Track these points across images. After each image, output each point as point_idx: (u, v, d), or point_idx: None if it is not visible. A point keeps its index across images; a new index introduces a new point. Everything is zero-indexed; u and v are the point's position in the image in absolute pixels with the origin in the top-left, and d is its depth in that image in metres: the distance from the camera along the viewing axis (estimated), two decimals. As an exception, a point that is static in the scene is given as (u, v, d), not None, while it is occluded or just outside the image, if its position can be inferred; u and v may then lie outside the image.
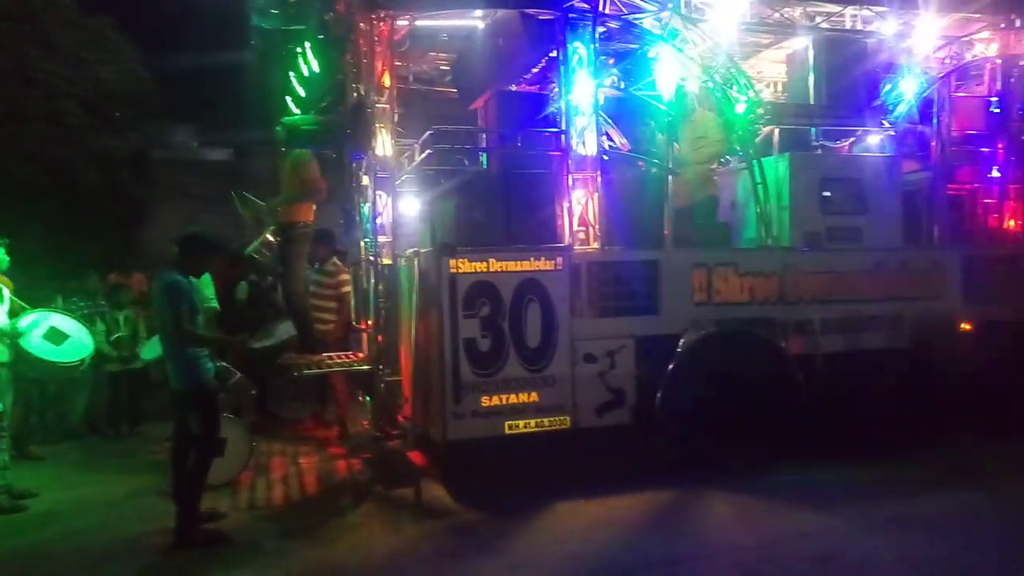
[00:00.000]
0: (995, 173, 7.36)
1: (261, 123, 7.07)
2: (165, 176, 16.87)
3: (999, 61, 7.32)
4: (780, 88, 8.07)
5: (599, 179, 5.94)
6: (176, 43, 16.19)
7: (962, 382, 6.61)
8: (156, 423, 7.55)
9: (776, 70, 7.98)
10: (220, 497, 5.71)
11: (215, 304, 6.98)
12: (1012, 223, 7.31)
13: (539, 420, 5.63)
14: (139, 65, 15.04)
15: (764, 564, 4.42)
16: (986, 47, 7.37)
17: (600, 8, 6.01)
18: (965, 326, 6.75)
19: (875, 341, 6.49)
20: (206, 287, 6.56)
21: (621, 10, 6.15)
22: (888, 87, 6.83)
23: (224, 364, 5.78)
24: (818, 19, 6.85)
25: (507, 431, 5.54)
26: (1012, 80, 7.33)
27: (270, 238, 7.00)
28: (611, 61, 6.50)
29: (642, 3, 6.18)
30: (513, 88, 6.70)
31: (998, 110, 7.35)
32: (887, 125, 6.94)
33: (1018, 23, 7.33)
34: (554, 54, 6.03)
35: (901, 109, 6.85)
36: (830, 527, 4.94)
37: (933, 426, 6.77)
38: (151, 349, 6.93)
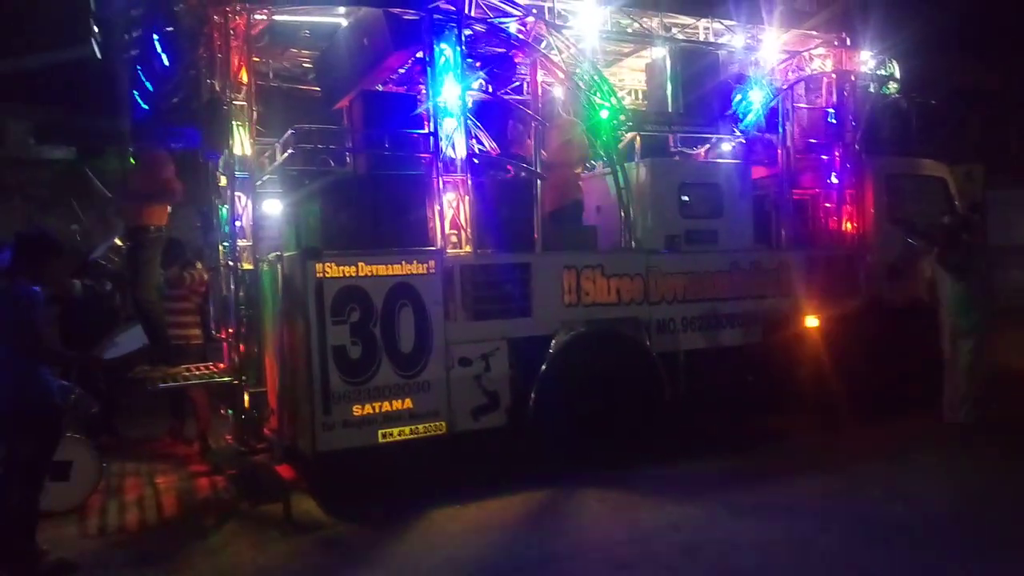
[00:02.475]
0: (833, 179, 7.97)
1: (107, 118, 6.55)
2: (-1, 175, 15.40)
3: (834, 75, 7.93)
4: (640, 96, 8.37)
5: (469, 182, 5.93)
6: (11, 29, 14.79)
7: (810, 373, 7.12)
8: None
9: (636, 78, 8.26)
10: (66, 524, 5.28)
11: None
12: (849, 225, 7.94)
13: (414, 426, 5.53)
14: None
15: (636, 557, 4.56)
16: (823, 62, 7.96)
17: (466, 10, 6.00)
18: (811, 321, 7.27)
19: (732, 338, 6.87)
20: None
21: (487, 14, 6.16)
22: (739, 97, 7.22)
23: (63, 382, 5.31)
24: (674, 30, 7.15)
25: (381, 440, 5.41)
26: (845, 93, 7.95)
27: (118, 243, 6.53)
28: (478, 64, 6.50)
29: (507, 7, 6.21)
30: (380, 88, 6.57)
31: (834, 121, 7.96)
32: (738, 133, 7.35)
33: (848, 41, 7.98)
34: (420, 55, 5.96)
35: (750, 118, 7.26)
36: (698, 517, 5.16)
37: (789, 417, 7.26)
38: None
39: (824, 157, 7.99)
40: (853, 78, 7.99)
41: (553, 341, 6.04)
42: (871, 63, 8.27)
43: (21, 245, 4.58)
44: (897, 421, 7.22)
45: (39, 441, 4.53)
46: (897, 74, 8.48)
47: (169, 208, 6.46)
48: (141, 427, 7.96)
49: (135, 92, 6.59)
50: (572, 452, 5.99)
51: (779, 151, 7.53)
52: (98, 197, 6.30)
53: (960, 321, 6.82)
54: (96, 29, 6.57)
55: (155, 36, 6.05)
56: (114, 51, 6.83)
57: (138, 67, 6.40)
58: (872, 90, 8.27)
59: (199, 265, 7.15)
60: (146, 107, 6.48)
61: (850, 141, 7.96)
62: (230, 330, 6.16)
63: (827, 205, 8.01)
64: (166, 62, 6.08)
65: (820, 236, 7.99)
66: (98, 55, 6.62)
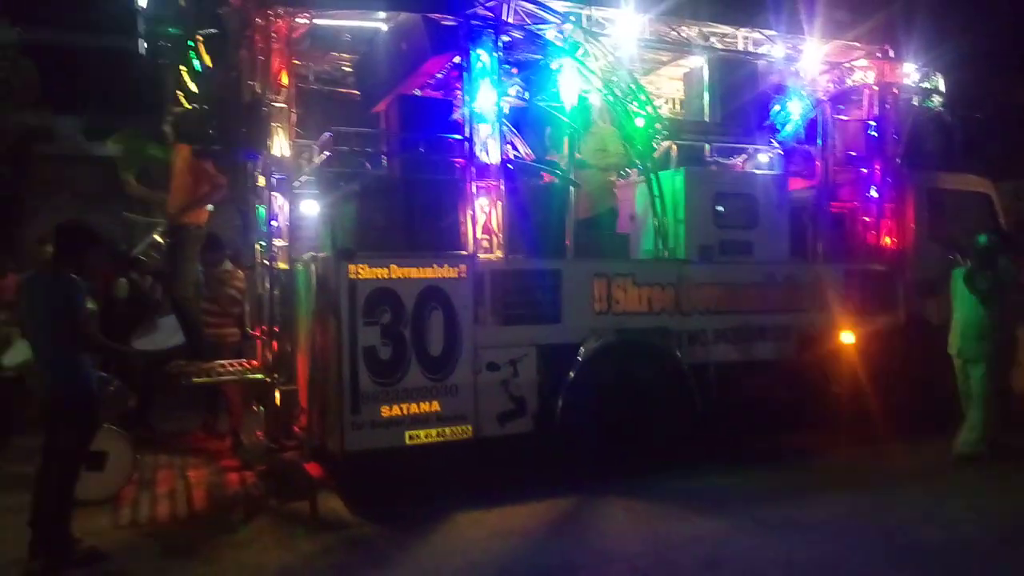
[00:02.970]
0: (873, 193, 7.83)
1: (153, 117, 6.72)
2: (48, 171, 15.81)
3: (876, 88, 7.80)
4: (677, 105, 8.33)
5: (503, 188, 5.95)
6: (61, 29, 15.21)
7: (844, 390, 7.00)
8: (32, 435, 7.02)
9: (674, 87, 8.23)
10: (99, 515, 5.38)
11: (91, 304, 6.57)
12: (888, 240, 7.79)
13: (440, 429, 5.56)
14: (19, 52, 14.04)
15: (658, 568, 4.53)
16: (865, 74, 7.84)
17: (503, 17, 6.03)
18: (847, 337, 7.15)
19: (764, 351, 6.78)
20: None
21: (524, 20, 6.19)
22: (777, 108, 7.15)
23: (101, 373, 5.44)
24: (712, 39, 7.10)
25: (408, 441, 5.45)
26: (887, 106, 7.82)
27: (158, 239, 6.67)
28: (515, 70, 6.54)
29: (545, 14, 6.24)
30: (417, 92, 6.64)
31: (876, 134, 7.82)
32: (776, 144, 7.27)
33: (891, 53, 7.84)
34: (458, 60, 6.01)
35: (789, 129, 7.18)
36: (722, 531, 5.09)
37: (820, 433, 7.14)
38: (16, 354, 6.39)
39: (864, 170, 7.85)
40: (895, 90, 7.85)
41: (582, 349, 6.03)
42: (915, 76, 8.12)
43: (61, 237, 4.70)
44: (933, 441, 7.04)
45: (77, 430, 4.64)
46: (942, 87, 8.31)
47: (210, 207, 6.58)
48: (176, 421, 8.11)
49: (179, 92, 6.73)
50: (598, 461, 5.97)
51: (817, 163, 7.43)
52: (136, 196, 6.44)
53: (970, 345, 6.54)
54: (143, 29, 6.74)
55: (199, 37, 6.18)
56: (160, 51, 7.00)
57: (182, 67, 6.54)
58: (915, 103, 8.12)
59: (229, 266, 7.26)
60: (189, 107, 6.62)
61: (891, 154, 7.81)
62: (264, 328, 6.25)
63: (866, 219, 7.85)
64: (209, 63, 6.21)
65: (858, 250, 7.84)
66: (144, 54, 6.78)
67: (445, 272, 5.60)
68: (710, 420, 6.41)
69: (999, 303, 6.46)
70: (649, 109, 6.63)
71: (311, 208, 7.17)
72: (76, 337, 4.51)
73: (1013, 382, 7.65)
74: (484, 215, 5.92)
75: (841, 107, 7.93)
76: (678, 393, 6.33)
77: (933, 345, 7.21)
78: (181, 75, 6.67)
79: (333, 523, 5.29)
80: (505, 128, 6.12)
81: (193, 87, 6.55)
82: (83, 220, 5.12)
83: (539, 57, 6.49)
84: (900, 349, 7.23)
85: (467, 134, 5.90)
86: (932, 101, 8.27)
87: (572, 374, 5.94)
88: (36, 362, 4.77)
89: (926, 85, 8.21)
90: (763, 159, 7.74)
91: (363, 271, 5.33)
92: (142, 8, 6.44)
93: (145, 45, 6.61)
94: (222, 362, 6.44)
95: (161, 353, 6.63)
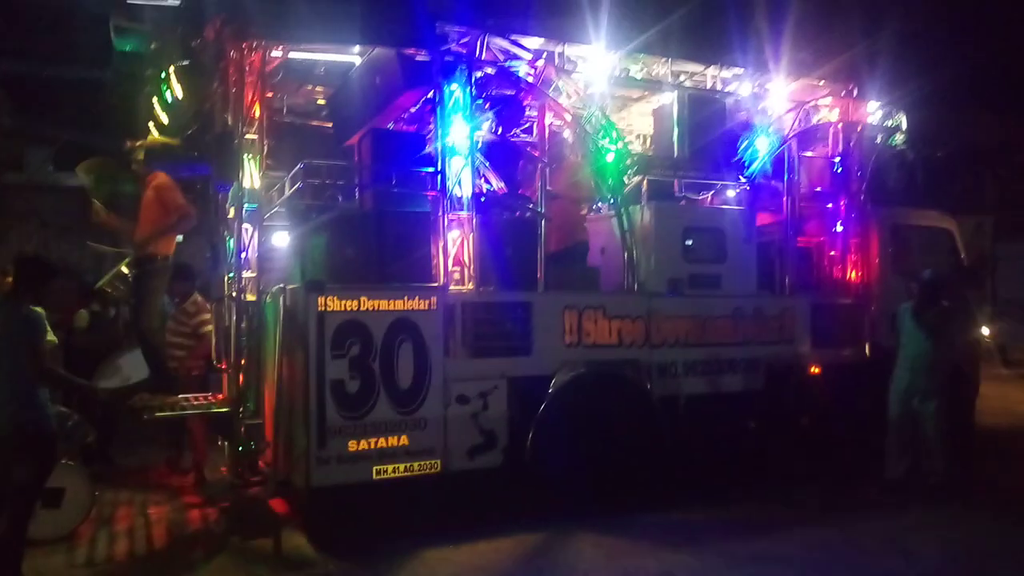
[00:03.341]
0: (838, 228, 7.98)
1: (123, 147, 6.66)
2: (17, 201, 15.61)
3: (841, 125, 7.99)
4: (647, 140, 8.44)
5: (475, 220, 5.97)
6: (30, 58, 15.12)
7: (812, 422, 7.06)
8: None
9: (644, 123, 8.34)
10: (55, 553, 5.23)
11: (51, 337, 6.44)
12: (853, 274, 7.92)
13: (408, 464, 5.50)
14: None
15: (628, 605, 4.48)
16: (830, 112, 8.04)
17: (476, 53, 6.11)
18: (814, 369, 7.22)
19: (733, 383, 6.82)
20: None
21: (497, 57, 6.27)
22: (745, 144, 7.28)
23: (60, 407, 5.32)
24: (682, 77, 7.25)
25: (375, 476, 5.38)
26: (852, 143, 8.00)
27: (124, 271, 6.58)
28: (487, 105, 6.59)
29: (517, 51, 6.32)
30: (390, 126, 6.67)
31: (840, 170, 7.99)
32: (744, 180, 7.39)
33: (856, 92, 8.05)
34: (431, 95, 6.06)
35: (756, 165, 7.30)
36: (693, 565, 5.08)
37: (788, 465, 7.16)
38: None
39: (829, 205, 8.02)
40: (860, 128, 8.05)
41: (553, 381, 6.02)
42: (878, 114, 8.34)
43: (19, 268, 4.63)
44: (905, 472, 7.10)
45: (33, 466, 4.50)
46: (904, 126, 8.53)
47: (179, 238, 6.52)
48: (139, 456, 7.94)
49: (150, 123, 6.69)
50: (569, 495, 5.93)
51: (784, 199, 7.56)
52: (104, 224, 6.36)
53: (919, 380, 6.57)
54: (115, 61, 6.72)
55: (172, 69, 6.17)
56: (132, 83, 6.97)
57: (153, 99, 6.52)
58: (879, 141, 8.32)
59: (198, 298, 7.18)
60: (160, 138, 6.58)
61: (855, 190, 7.99)
62: (230, 361, 6.15)
63: (832, 253, 8.01)
64: (181, 95, 6.19)
65: (824, 284, 7.96)
66: (116, 86, 6.75)
67: (415, 304, 5.59)
68: (680, 452, 6.41)
69: (946, 337, 6.58)
70: (620, 144, 6.72)
71: (281, 240, 7.13)
72: (34, 370, 4.41)
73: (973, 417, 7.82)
74: (455, 247, 5.93)
75: (807, 144, 8.09)
76: (648, 425, 6.33)
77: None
78: (153, 106, 6.65)
79: (297, 561, 5.18)
80: (477, 162, 6.16)
81: (164, 118, 6.52)
82: (42, 252, 5.04)
83: (511, 93, 6.56)
84: (866, 381, 7.31)
85: (439, 167, 5.94)
86: (895, 139, 8.49)
87: (543, 407, 5.93)
88: None
89: (889, 123, 8.44)
90: (731, 194, 7.85)
91: (332, 303, 5.30)
92: (112, 42, 6.40)
93: (114, 79, 6.56)
94: (187, 395, 6.32)
95: (125, 390, 6.51)
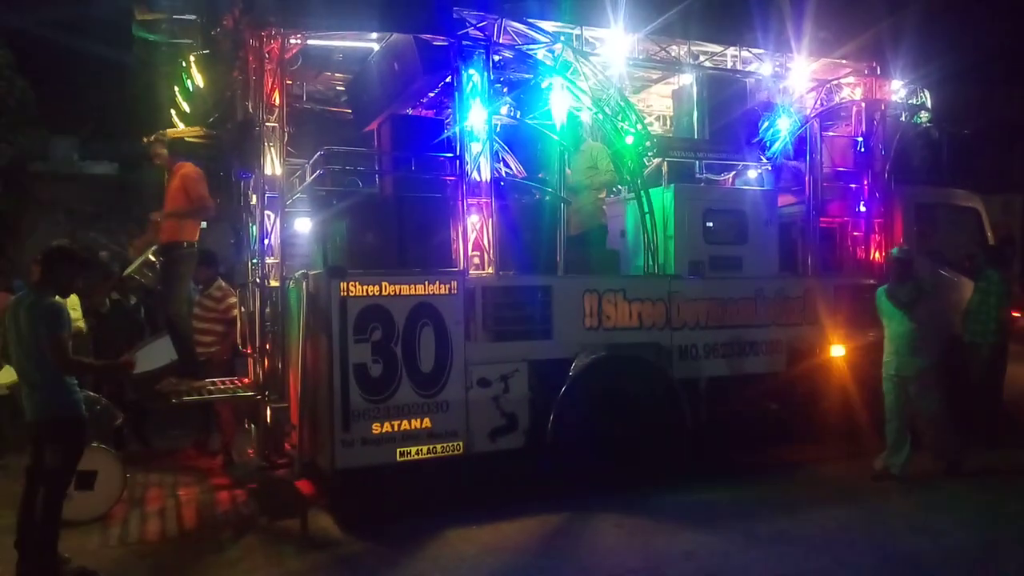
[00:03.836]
0: (862, 208, 7.89)
1: (147, 136, 6.77)
2: (43, 190, 15.87)
3: (864, 104, 7.88)
4: (667, 122, 8.40)
5: (494, 205, 6.00)
6: (56, 50, 15.32)
7: (834, 403, 7.02)
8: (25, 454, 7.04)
9: (664, 104, 8.30)
10: (89, 533, 5.37)
11: (81, 324, 6.60)
12: (876, 254, 7.84)
13: (431, 446, 5.57)
14: (14, 72, 14.14)
15: (649, 584, 4.52)
16: (852, 91, 7.93)
17: (494, 37, 6.10)
18: (837, 350, 7.18)
19: (755, 365, 6.80)
20: (72, 307, 6.19)
21: (515, 40, 6.26)
22: (766, 125, 7.20)
23: (90, 392, 5.44)
24: (701, 58, 7.19)
25: (399, 458, 5.46)
26: (875, 122, 7.90)
27: (151, 258, 6.70)
28: (506, 89, 6.60)
29: (535, 34, 6.31)
30: (409, 112, 6.70)
31: (864, 149, 7.90)
32: (765, 160, 7.33)
33: (879, 70, 7.94)
34: (449, 80, 6.07)
35: (777, 146, 7.23)
36: (715, 545, 5.10)
37: (810, 446, 7.15)
38: (8, 372, 6.40)
39: (852, 186, 7.93)
40: (883, 107, 7.93)
41: (573, 364, 6.05)
42: (902, 92, 8.21)
43: (46, 261, 4.71)
44: (923, 453, 7.06)
45: (64, 451, 4.64)
46: (929, 103, 8.40)
47: (203, 224, 6.62)
48: (168, 439, 8.11)
49: (172, 112, 6.78)
50: (590, 476, 5.97)
51: (806, 179, 7.49)
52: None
53: (905, 362, 6.37)
54: (137, 51, 6.80)
55: (193, 58, 6.24)
56: (154, 72, 7.06)
57: (175, 88, 6.60)
58: (903, 119, 8.20)
59: (222, 283, 7.28)
60: (182, 126, 6.66)
61: (879, 170, 7.89)
62: (255, 346, 6.25)
63: (855, 234, 7.92)
64: (201, 84, 6.26)
65: (847, 265, 7.89)
66: (138, 75, 6.84)
67: (436, 289, 5.63)
68: (701, 434, 6.42)
69: (924, 314, 6.38)
70: (639, 127, 6.69)
71: (303, 226, 7.21)
72: (57, 360, 4.50)
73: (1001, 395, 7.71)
74: (475, 232, 5.96)
75: (829, 123, 8.00)
76: (669, 407, 6.34)
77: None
78: (174, 95, 6.73)
79: (323, 541, 5.28)
80: (496, 146, 6.17)
81: (186, 107, 6.60)
82: (71, 243, 5.11)
83: (530, 76, 6.55)
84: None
85: (458, 152, 5.96)
86: (920, 117, 8.36)
87: (563, 389, 5.96)
88: (22, 383, 4.77)
89: (913, 101, 8.30)
90: (752, 175, 7.80)
91: (354, 288, 5.36)
92: (134, 32, 6.47)
93: (137, 67, 6.65)
94: (213, 380, 6.44)
95: (153, 374, 6.64)
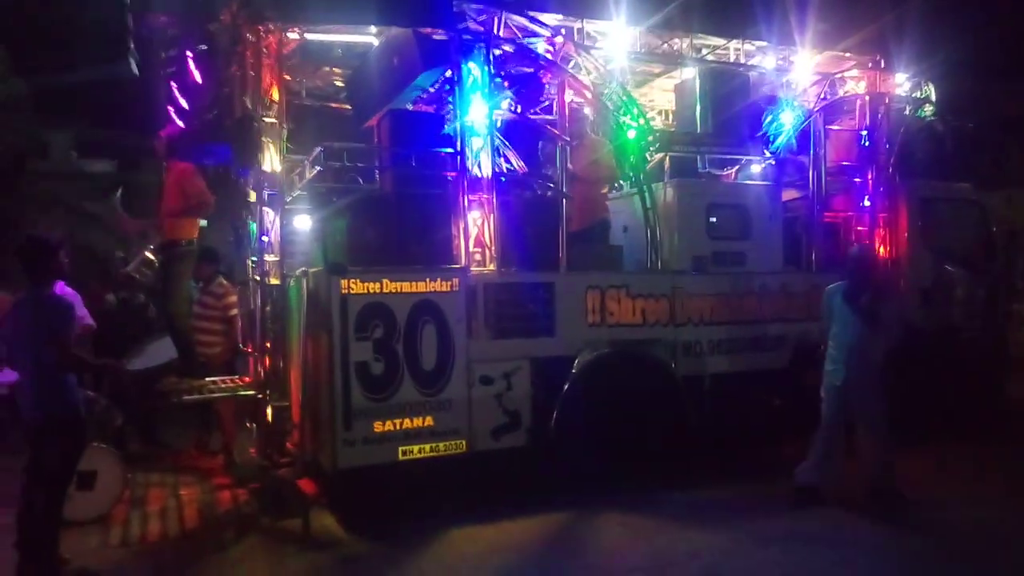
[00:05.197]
0: (866, 202, 7.83)
1: (145, 133, 6.71)
2: (42, 188, 15.79)
3: (868, 98, 7.82)
4: (669, 116, 8.34)
5: (495, 201, 5.94)
6: (52, 47, 15.24)
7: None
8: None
9: (666, 99, 8.24)
10: (89, 534, 5.32)
11: (90, 321, 6.55)
12: (881, 249, 7.78)
13: (434, 444, 5.53)
14: (9, 69, 14.06)
15: (654, 584, 4.48)
16: (856, 84, 7.86)
17: (494, 31, 6.04)
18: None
19: (759, 362, 6.76)
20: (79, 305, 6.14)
21: (516, 34, 6.20)
22: (769, 119, 7.15)
23: (89, 392, 5.40)
24: (704, 51, 7.13)
25: (401, 457, 5.42)
26: (879, 116, 7.83)
27: (150, 256, 6.65)
28: (506, 84, 6.53)
29: (536, 28, 6.25)
30: (409, 107, 6.63)
31: (868, 143, 7.83)
32: (768, 155, 7.27)
33: (883, 63, 7.87)
34: (449, 75, 6.01)
35: (781, 140, 7.17)
36: (719, 544, 5.06)
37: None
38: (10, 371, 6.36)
39: (857, 180, 7.87)
40: (887, 100, 7.87)
41: (576, 361, 6.00)
42: (906, 85, 8.15)
43: (21, 256, 4.57)
44: (927, 449, 7.02)
45: (64, 450, 4.59)
46: (933, 97, 8.34)
47: (203, 222, 6.56)
48: (170, 438, 8.06)
49: (170, 108, 6.72)
50: (594, 474, 5.92)
51: (810, 173, 7.43)
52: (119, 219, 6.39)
53: (856, 374, 5.63)
54: (134, 47, 6.74)
55: (190, 54, 6.18)
56: (151, 68, 7.00)
57: (173, 84, 6.53)
58: (907, 113, 8.14)
59: (223, 281, 7.23)
60: (180, 123, 6.60)
61: (883, 164, 7.83)
62: (256, 344, 6.21)
63: (859, 228, 7.86)
64: (199, 80, 6.20)
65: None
66: (135, 72, 6.78)
67: (438, 286, 5.58)
68: (705, 431, 6.37)
69: (883, 322, 5.67)
70: (641, 121, 6.64)
71: (303, 223, 7.15)
72: (57, 356, 4.44)
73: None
74: (476, 228, 5.90)
75: (833, 117, 7.94)
76: (673, 404, 6.30)
77: (926, 353, 7.21)
78: (173, 91, 6.67)
79: (326, 541, 5.24)
80: (497, 141, 6.11)
81: (184, 103, 6.54)
82: (37, 232, 5.01)
83: (530, 70, 6.49)
84: (893, 358, 7.20)
85: (459, 148, 5.90)
86: (924, 110, 8.30)
87: (566, 387, 5.92)
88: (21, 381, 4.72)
89: (918, 95, 8.25)
90: (755, 170, 7.74)
91: (355, 286, 5.31)
92: (130, 28, 6.42)
93: (134, 64, 6.58)
94: (214, 379, 6.39)
95: (153, 371, 6.60)
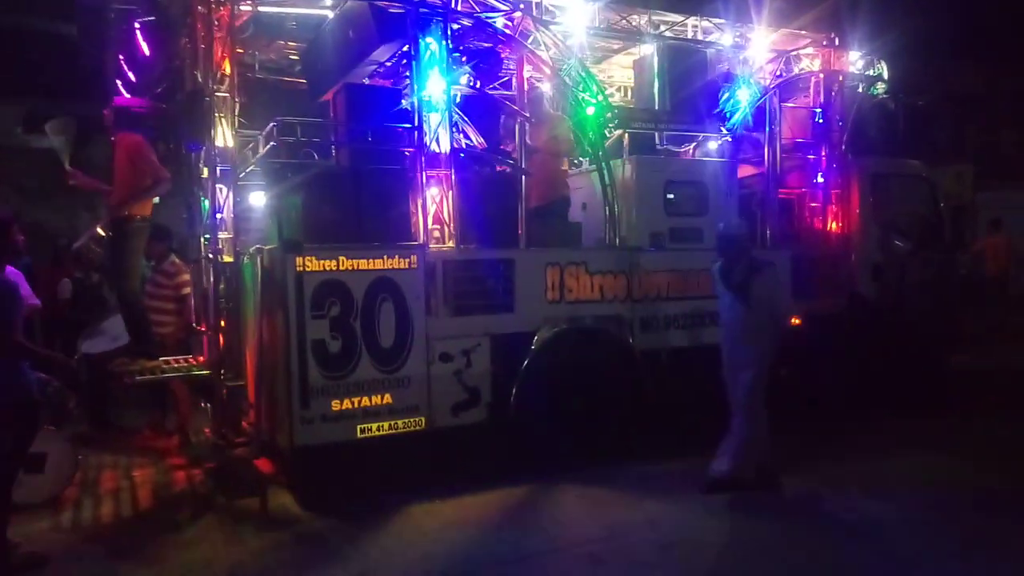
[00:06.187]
0: (819, 179, 7.96)
1: (94, 107, 6.50)
2: (-16, 165, 15.25)
3: (822, 76, 7.92)
4: (628, 93, 8.35)
5: (454, 177, 5.90)
6: (-2, 14, 14.63)
7: (793, 373, 7.10)
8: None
9: (625, 75, 8.25)
10: (39, 518, 5.23)
11: (35, 301, 6.37)
12: (834, 225, 7.93)
13: (393, 422, 5.52)
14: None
15: (612, 553, 4.56)
16: (811, 62, 7.95)
17: (452, 5, 5.97)
18: (794, 320, 7.25)
19: (716, 336, 6.82)
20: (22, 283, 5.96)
21: (473, 8, 6.13)
22: (726, 96, 7.20)
23: (41, 374, 5.26)
24: (662, 28, 7.14)
25: (359, 435, 5.40)
26: (833, 93, 7.94)
27: (100, 232, 6.47)
28: (464, 59, 6.47)
29: (494, 2, 6.18)
30: (365, 81, 6.54)
31: (822, 120, 7.95)
32: (725, 132, 7.33)
33: (837, 41, 7.97)
34: (406, 49, 5.93)
35: (737, 117, 7.23)
36: (675, 515, 5.16)
37: (770, 416, 7.23)
38: None
39: (811, 157, 7.99)
40: (841, 78, 7.98)
41: (535, 338, 6.03)
42: (859, 63, 8.27)
43: None
44: (881, 421, 7.23)
45: (15, 434, 4.48)
46: (886, 75, 8.47)
47: (156, 199, 6.40)
48: (124, 419, 7.92)
49: (118, 81, 6.52)
50: (553, 449, 5.98)
51: (766, 150, 7.51)
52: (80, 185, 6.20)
53: (738, 348, 5.51)
54: (81, 17, 6.51)
55: (138, 26, 5.99)
56: (98, 40, 6.77)
57: (121, 56, 6.34)
58: (860, 90, 8.26)
59: (175, 259, 7.08)
60: (128, 96, 6.41)
61: (837, 141, 7.95)
62: (210, 323, 6.11)
63: (813, 205, 8.01)
64: (148, 52, 6.03)
65: (805, 236, 7.97)
66: (82, 43, 6.56)
67: (395, 263, 5.54)
68: (663, 405, 6.46)
69: (756, 298, 5.42)
70: (600, 97, 6.64)
71: (257, 200, 7.03)
72: (6, 342, 4.32)
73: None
74: (435, 205, 5.87)
75: (788, 95, 8.02)
76: (631, 379, 6.38)
77: (877, 327, 7.40)
78: (121, 64, 6.47)
79: (283, 519, 5.22)
80: (456, 117, 6.06)
81: (132, 76, 6.35)
82: None
83: (489, 45, 6.43)
84: (846, 332, 7.38)
85: (416, 123, 5.83)
86: (877, 88, 8.42)
87: (526, 363, 5.94)
88: None
89: (871, 72, 8.37)
90: (712, 147, 7.81)
91: (310, 263, 5.24)
92: None
93: (81, 35, 6.35)
94: (167, 359, 6.28)
95: (110, 354, 6.46)
